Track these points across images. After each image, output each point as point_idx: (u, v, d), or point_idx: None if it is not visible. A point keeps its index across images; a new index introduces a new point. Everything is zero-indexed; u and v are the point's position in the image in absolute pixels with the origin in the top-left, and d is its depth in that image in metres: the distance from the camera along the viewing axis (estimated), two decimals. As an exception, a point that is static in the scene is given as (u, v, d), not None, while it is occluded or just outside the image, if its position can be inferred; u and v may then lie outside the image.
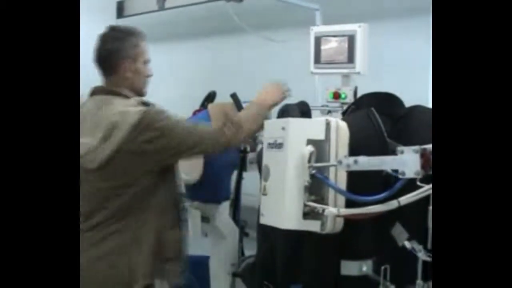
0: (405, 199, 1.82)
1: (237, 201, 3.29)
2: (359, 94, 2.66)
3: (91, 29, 2.67)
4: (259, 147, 3.13)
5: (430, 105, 2.35)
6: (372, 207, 1.87)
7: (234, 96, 3.02)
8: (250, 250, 3.44)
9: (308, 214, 2.02)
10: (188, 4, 4.36)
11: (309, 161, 2.02)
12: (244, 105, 3.01)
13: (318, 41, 2.77)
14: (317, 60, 2.78)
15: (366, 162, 1.90)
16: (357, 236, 2.14)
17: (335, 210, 1.96)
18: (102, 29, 2.68)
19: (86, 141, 2.38)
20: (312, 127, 2.09)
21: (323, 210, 1.97)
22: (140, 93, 2.63)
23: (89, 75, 2.52)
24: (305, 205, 2.02)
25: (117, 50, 2.57)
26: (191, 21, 4.98)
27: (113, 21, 4.56)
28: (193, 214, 3.10)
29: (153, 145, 2.41)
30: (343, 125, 2.09)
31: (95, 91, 2.57)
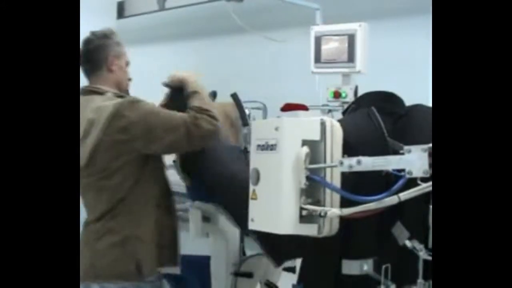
0: (406, 195, 1.80)
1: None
2: (359, 93, 2.67)
3: (91, 29, 2.69)
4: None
5: (430, 104, 2.35)
6: (374, 203, 1.84)
7: (234, 96, 3.01)
8: (251, 249, 3.44)
9: (305, 217, 1.96)
10: (189, 4, 4.38)
11: (305, 162, 1.95)
12: (244, 105, 3.00)
13: (318, 40, 2.78)
14: (318, 59, 2.79)
15: (370, 163, 1.85)
16: (358, 235, 2.14)
17: (338, 211, 1.91)
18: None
19: None
20: (307, 127, 2.01)
21: (325, 213, 1.91)
22: (124, 91, 2.72)
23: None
24: (302, 209, 1.95)
25: (103, 45, 2.67)
26: (191, 21, 4.99)
27: (114, 21, 4.56)
28: (194, 214, 3.09)
29: (127, 133, 2.47)
30: (337, 124, 2.05)
31: (80, 93, 2.60)
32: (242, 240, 3.25)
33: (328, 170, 1.98)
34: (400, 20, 3.83)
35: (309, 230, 1.98)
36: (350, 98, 2.72)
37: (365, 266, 2.13)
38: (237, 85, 3.13)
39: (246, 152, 2.99)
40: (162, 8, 4.56)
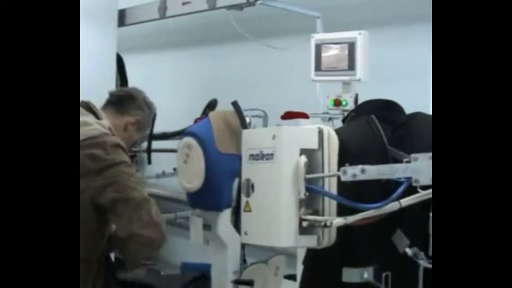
0: (407, 201, 1.80)
1: (239, 208, 3.28)
2: (360, 101, 2.67)
3: (92, 37, 2.69)
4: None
5: (430, 112, 2.36)
6: (376, 210, 1.83)
7: (235, 104, 3.02)
8: (252, 257, 3.43)
9: (304, 229, 1.91)
10: (189, 13, 4.38)
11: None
12: (245, 113, 3.01)
13: (318, 48, 2.79)
14: (318, 67, 2.79)
15: (375, 171, 1.82)
16: (358, 243, 2.14)
17: (343, 220, 1.86)
18: (103, 37, 2.71)
19: None
20: (305, 135, 1.96)
21: (331, 223, 1.86)
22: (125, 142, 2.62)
23: (89, 82, 2.54)
24: (302, 220, 1.90)
25: (141, 108, 2.68)
26: (192, 29, 5.00)
27: (115, 29, 4.57)
28: (194, 222, 3.10)
29: (92, 162, 2.33)
30: (333, 133, 2.02)
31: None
32: (242, 248, 3.26)
33: (326, 180, 1.94)
34: (400, 28, 3.83)
35: (309, 241, 1.95)
36: (351, 106, 2.72)
37: (366, 274, 2.13)
38: (238, 93, 3.14)
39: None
40: (163, 16, 4.57)
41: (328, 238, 1.96)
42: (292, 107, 3.08)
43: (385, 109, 2.30)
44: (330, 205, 1.95)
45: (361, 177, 1.83)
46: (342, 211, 1.94)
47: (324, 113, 2.84)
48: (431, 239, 1.94)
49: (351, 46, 2.68)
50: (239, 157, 3.02)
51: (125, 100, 2.65)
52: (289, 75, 4.27)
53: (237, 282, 3.13)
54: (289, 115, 3.09)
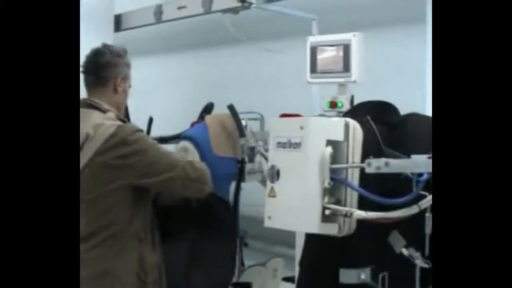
0: (426, 202, 1.85)
1: (236, 211, 3.29)
2: (355, 103, 2.67)
3: (89, 42, 2.69)
4: (257, 158, 3.13)
5: (426, 113, 2.37)
6: (397, 212, 1.88)
7: (231, 107, 3.02)
8: (250, 260, 3.44)
9: (325, 217, 1.98)
10: (185, 17, 4.39)
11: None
12: (241, 116, 3.02)
13: (314, 50, 2.78)
14: (313, 69, 2.79)
15: (397, 165, 1.88)
16: (355, 244, 2.14)
17: (363, 213, 1.93)
18: (100, 42, 2.71)
19: None
20: (331, 127, 2.04)
21: (351, 213, 1.94)
22: (119, 109, 2.65)
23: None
24: (324, 208, 1.97)
25: (114, 64, 2.61)
26: (188, 33, 5.01)
27: (111, 34, 4.57)
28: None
29: (124, 160, 2.41)
30: (358, 127, 2.09)
31: (80, 105, 2.54)
32: (240, 251, 3.26)
33: (349, 171, 2.02)
34: (395, 29, 3.85)
35: (331, 229, 2.01)
36: (346, 107, 2.72)
37: (363, 275, 2.13)
38: (234, 96, 3.14)
39: (243, 163, 3.00)
40: (159, 20, 4.58)
41: (349, 227, 2.02)
42: (288, 109, 3.08)
43: (381, 110, 2.31)
44: (352, 195, 2.02)
45: (384, 170, 1.89)
46: (362, 202, 2.00)
47: (320, 115, 2.84)
48: (428, 239, 1.95)
49: (346, 48, 2.68)
50: (235, 160, 3.03)
51: (98, 71, 2.58)
52: (285, 77, 4.28)
53: (235, 284, 3.13)
54: (285, 117, 3.09)
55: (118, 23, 4.86)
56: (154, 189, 2.57)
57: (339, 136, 2.03)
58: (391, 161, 1.89)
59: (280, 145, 2.05)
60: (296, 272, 2.63)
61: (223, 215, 2.85)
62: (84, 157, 2.38)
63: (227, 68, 4.89)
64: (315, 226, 1.98)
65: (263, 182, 3.28)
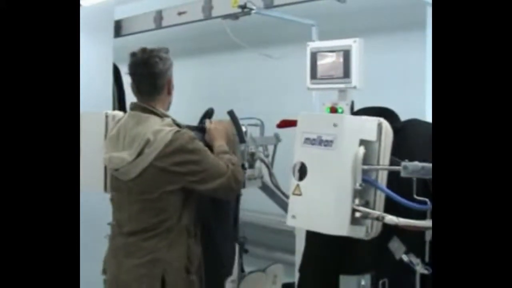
0: None
1: (236, 217, 3.28)
2: (355, 108, 2.67)
3: (89, 47, 2.70)
4: (257, 164, 3.13)
5: (426, 118, 2.37)
6: (427, 222, 1.84)
7: (231, 113, 3.02)
8: (250, 266, 3.43)
9: (355, 219, 1.92)
10: (185, 23, 4.39)
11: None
12: (241, 122, 3.01)
13: (314, 56, 2.77)
14: (314, 75, 2.78)
15: (431, 169, 1.81)
16: (355, 250, 2.14)
17: (395, 219, 1.88)
18: (100, 48, 2.72)
19: (125, 155, 2.56)
20: (365, 126, 1.98)
21: (383, 217, 1.88)
22: (167, 109, 2.76)
23: (86, 92, 2.54)
24: (354, 210, 1.91)
25: (166, 70, 2.68)
26: (188, 39, 5.00)
27: (111, 40, 4.57)
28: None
29: (181, 167, 2.55)
30: (389, 127, 2.04)
31: (133, 107, 2.69)
32: (240, 257, 3.25)
33: (379, 173, 1.97)
34: (395, 35, 3.85)
35: (359, 232, 1.95)
36: (347, 113, 2.72)
37: (363, 281, 2.13)
38: (234, 102, 3.14)
39: (243, 168, 3.00)
40: (159, 26, 4.57)
41: (376, 231, 1.97)
42: (289, 115, 3.08)
43: (380, 116, 2.30)
44: (380, 198, 1.96)
45: (419, 174, 1.85)
46: (388, 206, 1.95)
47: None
48: (428, 246, 1.95)
49: (346, 54, 2.67)
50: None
51: (154, 81, 2.66)
52: (285, 83, 4.28)
53: (235, 291, 3.13)
54: (285, 123, 3.09)
55: (118, 28, 4.85)
56: (204, 194, 2.70)
57: (372, 136, 1.97)
58: (427, 165, 1.85)
59: (309, 141, 1.98)
60: (296, 278, 2.62)
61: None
62: (145, 160, 2.53)
63: (227, 74, 4.89)
64: (344, 228, 1.91)
65: (263, 188, 3.28)
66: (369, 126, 1.97)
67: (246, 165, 3.06)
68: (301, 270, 2.38)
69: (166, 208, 2.60)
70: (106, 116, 2.97)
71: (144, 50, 2.70)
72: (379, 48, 3.51)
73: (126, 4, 5.16)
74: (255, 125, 3.28)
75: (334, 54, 2.70)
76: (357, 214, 1.90)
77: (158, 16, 4.58)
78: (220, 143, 2.80)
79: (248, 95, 4.55)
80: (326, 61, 2.73)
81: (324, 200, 1.92)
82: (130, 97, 2.85)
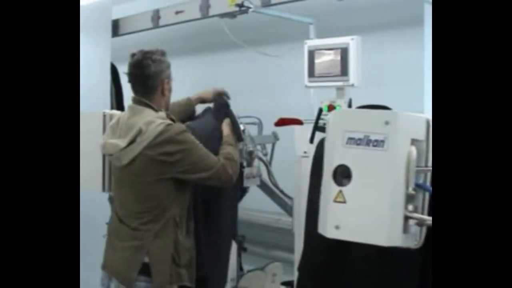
0: None
1: (235, 216, 3.29)
2: (353, 106, 2.67)
3: (86, 47, 2.70)
4: (255, 162, 3.13)
5: (424, 116, 2.36)
6: None
7: (229, 112, 3.02)
8: (249, 265, 3.43)
9: (405, 227, 1.75)
10: (183, 21, 4.38)
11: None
12: (239, 120, 3.01)
13: (311, 54, 2.78)
14: (311, 73, 2.79)
15: None
16: (355, 249, 2.13)
17: None
18: (97, 47, 2.72)
19: (118, 142, 2.66)
20: (416, 125, 1.79)
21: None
22: (167, 107, 2.84)
23: (84, 92, 2.54)
24: (407, 217, 1.73)
25: (159, 72, 2.75)
26: (185, 38, 5.00)
27: (109, 39, 4.57)
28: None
29: (169, 157, 2.62)
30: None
31: (132, 100, 2.79)
32: (239, 255, 3.25)
33: (427, 175, 1.80)
34: (393, 33, 3.85)
35: (410, 241, 1.78)
36: (345, 112, 2.72)
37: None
38: (232, 101, 3.14)
39: (241, 167, 3.00)
40: (156, 25, 4.57)
41: (422, 237, 1.80)
42: (287, 114, 3.08)
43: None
44: (426, 203, 1.80)
45: None
46: None
47: (318, 119, 2.83)
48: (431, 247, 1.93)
49: (344, 52, 2.68)
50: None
51: (145, 83, 2.74)
52: (283, 81, 4.28)
53: (234, 289, 3.13)
54: (283, 122, 3.09)
55: (116, 28, 4.85)
56: (193, 183, 2.77)
57: (421, 135, 1.79)
58: None
59: (353, 141, 1.77)
60: (295, 277, 2.62)
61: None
62: (136, 148, 2.62)
63: (225, 72, 4.89)
64: (397, 238, 1.72)
65: (261, 186, 3.28)
66: (420, 123, 1.80)
67: (244, 163, 3.06)
68: (300, 268, 2.38)
69: (154, 197, 2.66)
70: (104, 116, 2.99)
71: (141, 51, 2.77)
72: (377, 46, 3.51)
73: (123, 3, 5.16)
74: (253, 123, 3.28)
75: (331, 52, 2.71)
76: (411, 222, 1.73)
77: (156, 15, 4.58)
78: (228, 134, 2.91)
79: (246, 94, 4.54)
80: (324, 59, 2.74)
81: (375, 208, 1.73)
82: (128, 96, 2.85)
